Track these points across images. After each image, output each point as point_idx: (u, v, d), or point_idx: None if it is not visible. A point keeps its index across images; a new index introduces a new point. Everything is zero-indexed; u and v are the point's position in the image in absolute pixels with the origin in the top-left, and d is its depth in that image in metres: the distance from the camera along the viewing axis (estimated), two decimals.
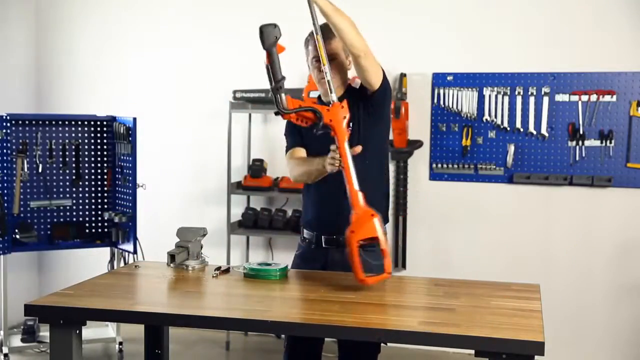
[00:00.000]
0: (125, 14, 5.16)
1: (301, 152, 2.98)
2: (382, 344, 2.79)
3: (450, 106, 4.58)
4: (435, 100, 4.61)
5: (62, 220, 4.58)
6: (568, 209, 4.46)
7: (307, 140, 2.95)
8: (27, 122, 4.48)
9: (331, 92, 2.61)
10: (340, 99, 2.87)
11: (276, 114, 2.56)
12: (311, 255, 2.93)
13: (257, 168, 4.70)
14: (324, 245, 2.90)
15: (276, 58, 2.47)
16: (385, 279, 2.49)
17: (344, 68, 2.90)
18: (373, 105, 2.87)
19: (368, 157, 2.85)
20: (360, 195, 2.52)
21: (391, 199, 4.68)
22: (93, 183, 4.64)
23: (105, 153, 4.65)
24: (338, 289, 2.54)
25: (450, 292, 2.49)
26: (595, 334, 4.47)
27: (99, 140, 4.64)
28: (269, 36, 2.45)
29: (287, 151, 3.06)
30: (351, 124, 2.85)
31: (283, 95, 2.50)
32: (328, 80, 2.64)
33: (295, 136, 3.00)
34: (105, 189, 4.65)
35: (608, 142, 4.34)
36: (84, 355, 2.79)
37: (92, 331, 4.58)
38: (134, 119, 4.34)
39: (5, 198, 4.27)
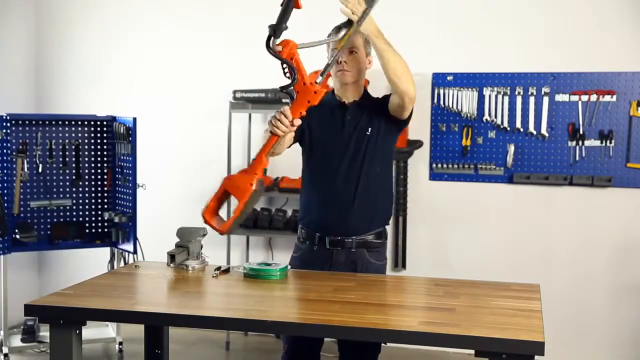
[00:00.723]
0: (126, 14, 5.16)
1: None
2: (382, 344, 2.80)
3: (450, 106, 4.59)
4: (435, 100, 4.62)
5: (62, 220, 4.58)
6: (568, 209, 4.46)
7: (313, 126, 2.89)
8: (27, 122, 4.48)
9: (322, 75, 2.59)
10: (357, 104, 2.90)
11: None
12: (314, 257, 2.89)
13: None
14: (327, 247, 2.89)
15: (289, 9, 2.40)
16: (219, 230, 2.56)
17: (361, 65, 2.89)
18: (394, 124, 2.90)
19: (380, 164, 2.89)
20: (262, 166, 2.52)
21: None
22: (93, 183, 4.64)
23: (105, 153, 4.65)
24: (338, 289, 2.54)
25: (450, 292, 2.49)
26: (595, 334, 4.47)
27: (99, 140, 4.64)
28: None
29: None
30: (370, 128, 2.85)
31: (277, 40, 2.41)
32: (328, 64, 2.65)
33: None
34: (105, 189, 4.65)
35: (608, 142, 4.34)
36: (84, 355, 2.79)
37: (92, 331, 4.58)
38: (134, 119, 4.34)
39: (5, 198, 4.27)
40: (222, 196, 2.54)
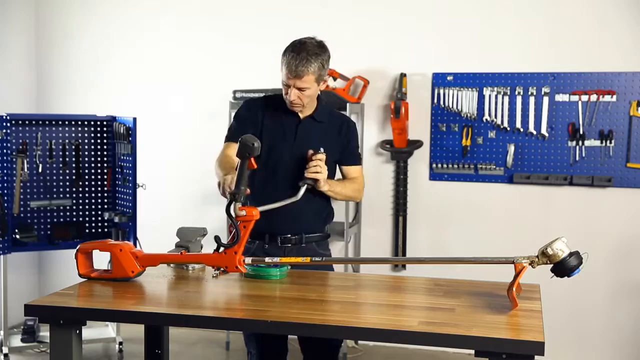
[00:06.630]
0: (125, 13, 5.16)
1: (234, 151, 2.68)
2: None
3: (450, 106, 4.58)
4: (435, 100, 4.61)
5: (62, 220, 4.58)
6: (568, 209, 4.46)
7: (266, 127, 2.86)
8: (27, 122, 4.48)
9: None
10: (311, 119, 2.89)
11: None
12: (267, 253, 2.83)
13: None
14: (280, 245, 2.89)
15: (244, 170, 2.42)
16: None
17: (313, 95, 2.82)
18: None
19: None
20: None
21: (391, 199, 4.72)
22: (93, 183, 4.64)
23: (105, 153, 4.65)
24: (338, 289, 2.54)
25: (450, 292, 2.49)
26: (595, 334, 4.47)
27: (99, 140, 4.64)
28: (242, 149, 2.41)
29: (225, 141, 2.94)
30: (322, 148, 2.80)
31: (238, 204, 2.42)
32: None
33: (246, 128, 2.80)
34: (105, 189, 4.65)
35: (608, 142, 4.34)
36: (84, 355, 2.79)
37: (92, 331, 4.59)
38: (134, 119, 4.35)
39: (5, 198, 4.27)
40: None
